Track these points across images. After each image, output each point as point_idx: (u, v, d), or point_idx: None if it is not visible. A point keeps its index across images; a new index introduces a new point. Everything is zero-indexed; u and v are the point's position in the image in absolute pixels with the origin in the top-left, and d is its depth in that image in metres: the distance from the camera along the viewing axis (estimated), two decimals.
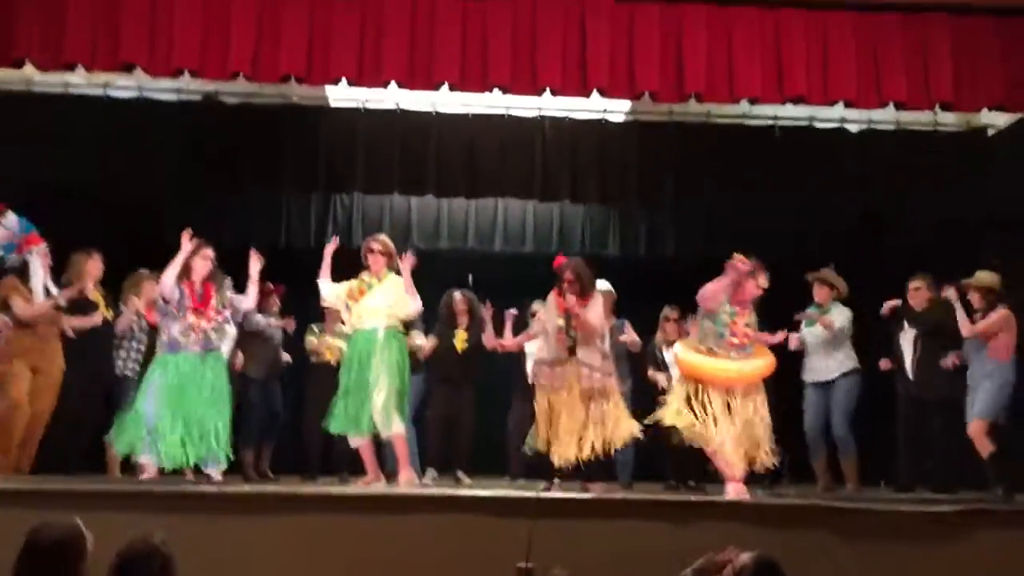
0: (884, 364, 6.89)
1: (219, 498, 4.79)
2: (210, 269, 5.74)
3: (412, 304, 5.96)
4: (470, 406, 7.13)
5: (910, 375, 6.68)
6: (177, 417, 5.38)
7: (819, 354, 6.90)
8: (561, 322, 5.77)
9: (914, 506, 4.92)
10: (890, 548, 4.73)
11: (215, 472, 5.58)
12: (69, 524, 2.99)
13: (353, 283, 6.02)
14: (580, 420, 5.58)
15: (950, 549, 4.75)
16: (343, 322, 6.48)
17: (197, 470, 5.66)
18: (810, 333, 6.94)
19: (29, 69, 6.49)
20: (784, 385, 6.41)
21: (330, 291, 6.10)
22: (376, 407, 5.74)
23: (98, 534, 3.08)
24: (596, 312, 5.84)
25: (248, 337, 7.13)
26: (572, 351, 5.72)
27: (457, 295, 7.22)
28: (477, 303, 7.20)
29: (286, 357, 7.42)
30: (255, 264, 5.96)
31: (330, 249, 6.09)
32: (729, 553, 3.47)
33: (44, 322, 5.90)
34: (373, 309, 5.90)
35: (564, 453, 5.53)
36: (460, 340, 7.12)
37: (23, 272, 5.87)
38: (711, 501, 5.03)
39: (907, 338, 6.73)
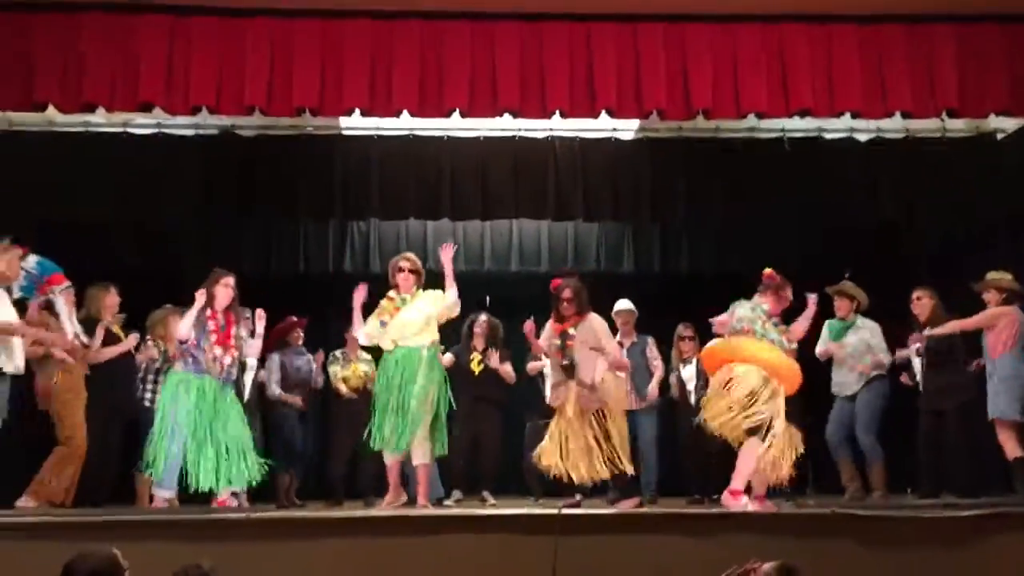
0: (905, 379, 6.92)
1: (250, 524, 4.87)
2: (232, 298, 5.86)
3: (450, 295, 5.97)
4: (493, 426, 7.16)
5: (920, 386, 6.70)
6: (209, 439, 5.50)
7: (843, 368, 6.93)
8: (557, 342, 5.86)
9: (935, 512, 4.95)
10: (913, 554, 4.76)
11: (239, 489, 5.69)
12: (105, 554, 3.06)
13: (384, 304, 6.05)
14: (584, 438, 5.63)
15: (971, 553, 4.78)
16: (364, 349, 6.53)
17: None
18: (838, 348, 6.94)
19: (50, 109, 6.66)
20: (809, 398, 6.44)
21: (367, 332, 6.08)
22: (419, 436, 5.78)
23: (134, 564, 3.18)
24: (591, 330, 5.89)
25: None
26: (570, 370, 5.80)
27: (482, 317, 7.27)
28: (498, 328, 7.24)
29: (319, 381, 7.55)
30: (261, 322, 6.06)
31: (360, 298, 6.07)
32: (752, 564, 3.52)
33: (80, 360, 6.00)
34: (412, 323, 5.92)
35: (577, 472, 5.59)
36: (475, 363, 7.19)
37: (51, 312, 5.98)
38: (733, 513, 5.06)
39: (915, 350, 6.76)
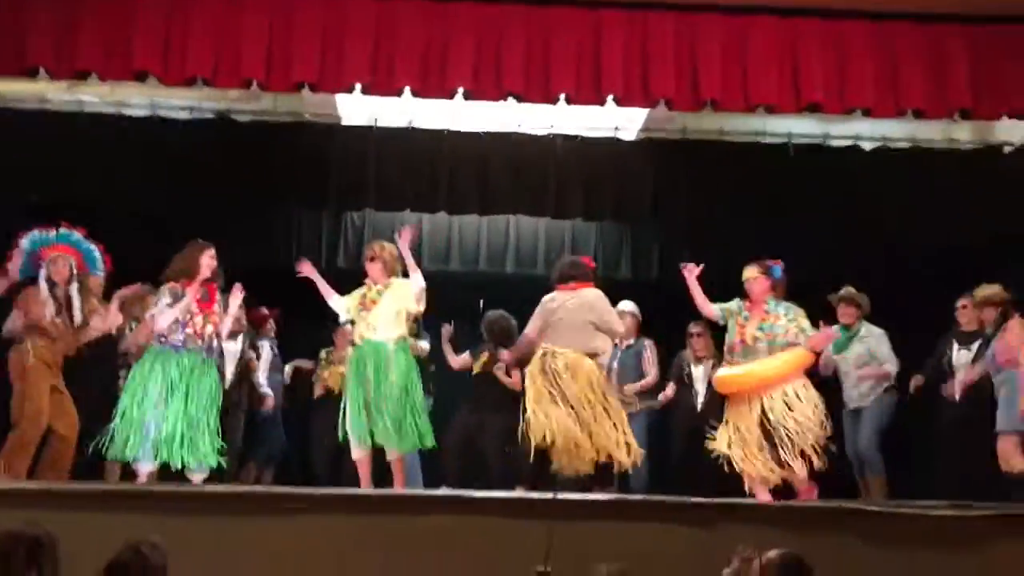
0: (915, 382, 6.61)
1: (223, 498, 4.67)
2: (214, 269, 5.67)
3: (415, 282, 5.74)
4: (489, 433, 6.66)
5: (956, 395, 6.31)
6: (178, 417, 5.29)
7: (852, 381, 6.68)
8: None
9: (944, 511, 4.77)
10: (919, 552, 4.60)
11: (199, 478, 5.47)
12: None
13: (365, 293, 5.84)
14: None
15: (980, 554, 4.61)
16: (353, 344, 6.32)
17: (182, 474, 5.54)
18: (842, 360, 6.69)
19: (43, 85, 6.50)
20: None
21: (342, 306, 5.92)
22: (392, 430, 5.54)
23: (97, 535, 3.10)
24: None
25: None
26: None
27: (490, 316, 6.96)
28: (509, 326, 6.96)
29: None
30: (235, 299, 5.81)
31: (308, 269, 5.92)
32: (749, 553, 3.38)
33: (63, 337, 5.73)
34: (383, 316, 5.72)
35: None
36: (479, 363, 6.90)
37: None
38: (733, 503, 4.88)
39: (960, 358, 6.38)
